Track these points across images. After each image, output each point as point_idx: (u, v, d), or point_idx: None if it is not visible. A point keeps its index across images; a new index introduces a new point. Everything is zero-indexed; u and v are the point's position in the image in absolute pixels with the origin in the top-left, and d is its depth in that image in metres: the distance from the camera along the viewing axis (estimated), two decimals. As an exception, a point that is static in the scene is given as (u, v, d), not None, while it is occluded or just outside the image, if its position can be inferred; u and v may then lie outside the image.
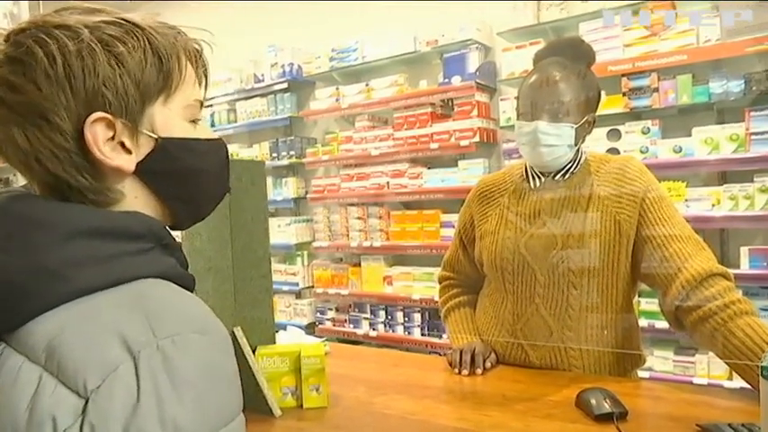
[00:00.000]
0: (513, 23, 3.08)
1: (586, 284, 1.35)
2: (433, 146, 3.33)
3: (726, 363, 1.16)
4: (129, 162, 0.58)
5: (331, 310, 3.95)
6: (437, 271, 3.35)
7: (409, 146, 3.44)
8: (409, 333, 3.55)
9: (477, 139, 3.18)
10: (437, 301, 3.34)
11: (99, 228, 0.55)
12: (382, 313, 3.67)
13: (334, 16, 3.85)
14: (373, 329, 3.69)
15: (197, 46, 0.64)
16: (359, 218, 3.74)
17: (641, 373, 1.53)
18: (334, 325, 3.89)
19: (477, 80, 3.19)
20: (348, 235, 3.78)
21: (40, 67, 0.53)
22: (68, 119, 0.54)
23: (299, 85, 4.08)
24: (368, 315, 3.74)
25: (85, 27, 0.55)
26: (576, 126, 1.34)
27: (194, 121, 0.64)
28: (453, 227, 3.32)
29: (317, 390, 1.21)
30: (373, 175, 3.63)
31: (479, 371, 1.38)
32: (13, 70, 0.54)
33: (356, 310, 3.81)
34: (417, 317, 3.53)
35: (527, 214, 1.43)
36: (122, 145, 0.58)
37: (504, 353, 1.45)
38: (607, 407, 1.04)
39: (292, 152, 4.04)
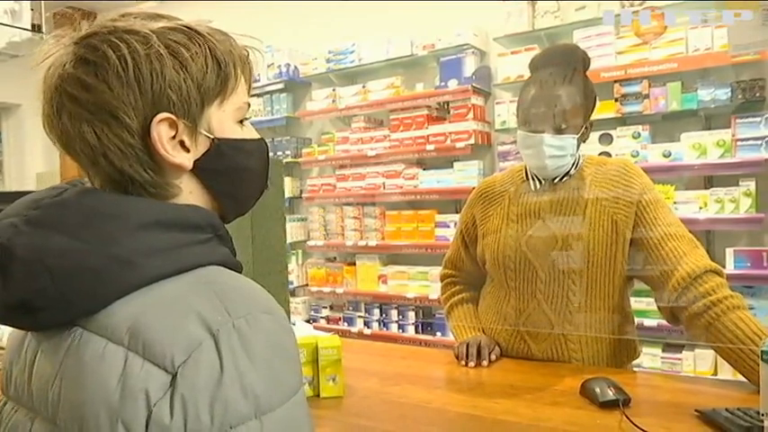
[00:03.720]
0: (509, 29, 3.16)
1: (585, 281, 1.42)
2: (429, 147, 3.40)
3: (719, 354, 1.23)
4: (188, 160, 0.62)
5: (326, 308, 4.00)
6: (432, 270, 3.46)
7: (405, 147, 3.50)
8: (403, 331, 3.62)
9: (472, 141, 3.26)
10: (431, 300, 3.42)
11: (164, 220, 0.59)
12: (377, 311, 3.73)
13: (331, 19, 3.90)
14: (368, 327, 3.75)
15: (245, 52, 0.68)
16: (354, 217, 3.79)
17: (631, 370, 1.60)
18: (328, 323, 3.93)
19: (473, 84, 3.26)
20: (343, 234, 3.84)
21: (112, 69, 0.57)
22: (136, 118, 0.59)
23: (295, 86, 4.13)
24: (362, 313, 3.80)
25: (153, 33, 0.59)
26: (577, 136, 1.41)
27: (241, 122, 0.68)
28: (448, 227, 3.40)
29: (334, 380, 1.26)
30: (369, 175, 3.69)
31: (485, 363, 1.44)
32: (87, 71, 0.58)
33: (351, 308, 3.86)
34: (411, 315, 3.60)
35: (528, 214, 1.49)
36: (182, 144, 0.62)
37: (507, 346, 1.52)
38: (611, 394, 1.11)
39: (288, 152, 4.08)
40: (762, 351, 0.81)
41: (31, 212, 0.57)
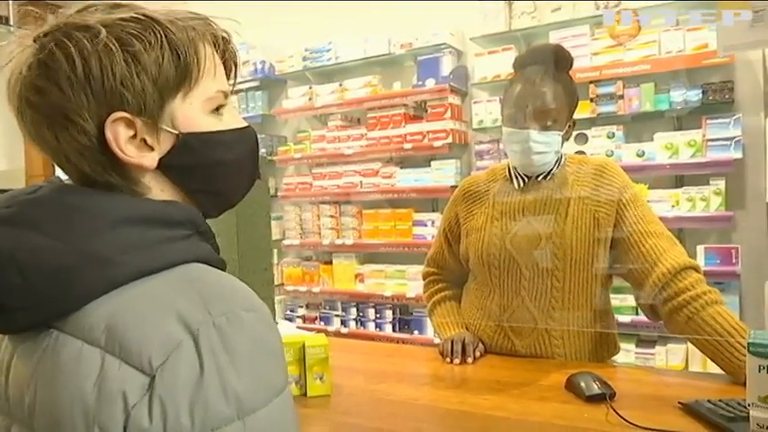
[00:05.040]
0: (486, 30, 3.18)
1: (568, 278, 1.44)
2: (407, 146, 3.40)
3: (698, 347, 1.27)
4: (151, 159, 0.59)
5: (302, 307, 3.97)
6: (409, 268, 3.46)
7: (382, 146, 3.50)
8: (380, 329, 3.62)
9: (449, 140, 3.28)
10: (409, 298, 3.43)
11: (143, 215, 0.57)
12: (353, 310, 3.72)
13: (308, 16, 3.87)
14: (345, 326, 3.73)
15: (224, 34, 0.64)
16: (331, 216, 3.77)
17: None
18: (304, 322, 3.91)
19: (451, 83, 3.28)
20: (320, 233, 3.82)
21: (61, 70, 0.55)
22: (90, 119, 0.56)
23: (270, 84, 4.09)
24: (339, 312, 3.78)
25: (104, 26, 0.56)
26: (562, 133, 1.43)
27: (218, 111, 0.64)
28: (426, 225, 3.41)
29: (321, 378, 1.26)
30: (346, 173, 3.67)
31: (470, 359, 1.45)
32: (39, 74, 0.55)
33: (327, 307, 3.84)
34: (389, 313, 3.60)
35: (512, 213, 1.51)
36: (144, 142, 0.59)
37: (491, 342, 1.53)
38: (597, 388, 1.13)
39: (263, 150, 4.04)
40: (748, 343, 0.84)
41: (3, 210, 0.54)
